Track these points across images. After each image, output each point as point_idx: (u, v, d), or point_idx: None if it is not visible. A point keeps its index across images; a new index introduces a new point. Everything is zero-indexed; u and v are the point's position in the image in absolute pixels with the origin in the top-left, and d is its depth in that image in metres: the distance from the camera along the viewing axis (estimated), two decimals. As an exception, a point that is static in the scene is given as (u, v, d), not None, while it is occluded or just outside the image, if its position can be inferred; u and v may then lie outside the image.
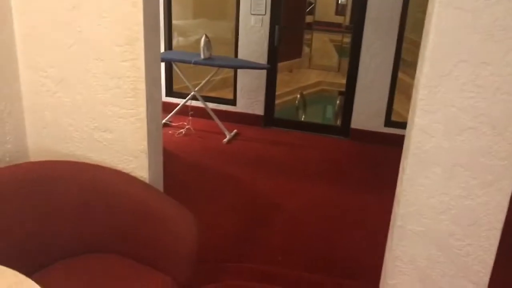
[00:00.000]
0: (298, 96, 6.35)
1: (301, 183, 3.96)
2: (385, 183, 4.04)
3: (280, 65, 5.58)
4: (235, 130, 5.04)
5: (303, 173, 4.18)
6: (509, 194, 1.47)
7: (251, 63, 4.86)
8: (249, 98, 5.28)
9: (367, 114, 4.89)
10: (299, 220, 3.37)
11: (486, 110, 1.40)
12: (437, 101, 1.42)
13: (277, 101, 5.38)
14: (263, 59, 5.07)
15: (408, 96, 7.00)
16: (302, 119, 5.95)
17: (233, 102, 5.39)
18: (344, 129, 5.04)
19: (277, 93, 5.36)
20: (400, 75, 4.80)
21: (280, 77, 5.68)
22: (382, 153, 4.68)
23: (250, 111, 5.31)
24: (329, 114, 6.73)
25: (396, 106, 4.91)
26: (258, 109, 5.28)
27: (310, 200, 3.67)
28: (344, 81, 5.08)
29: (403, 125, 4.99)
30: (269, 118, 5.30)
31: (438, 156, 1.45)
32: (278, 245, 3.02)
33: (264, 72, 5.11)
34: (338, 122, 5.25)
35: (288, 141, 4.95)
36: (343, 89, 5.10)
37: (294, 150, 4.71)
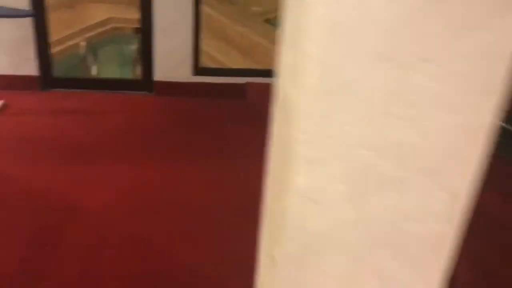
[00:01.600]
0: (83, 42, 5.14)
1: (103, 167, 3.05)
2: (207, 149, 3.41)
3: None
4: (1, 101, 3.73)
5: (103, 152, 3.25)
6: None
7: (3, 10, 3.52)
8: (15, 55, 3.96)
9: (171, 61, 4.08)
10: (105, 225, 2.52)
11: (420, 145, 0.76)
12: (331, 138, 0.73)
13: (57, 50, 4.17)
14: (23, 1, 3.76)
15: (216, 34, 6.38)
16: (93, 74, 4.83)
17: (-9, 61, 3.99)
18: (146, 82, 4.17)
19: (56, 38, 4.12)
20: (204, 8, 4.06)
21: (58, 15, 4.41)
22: (195, 109, 4.01)
23: (19, 72, 4.01)
24: (126, 63, 5.69)
25: (205, 47, 4.22)
26: (30, 68, 4.01)
27: (119, 191, 2.82)
28: (138, 16, 4.12)
29: (215, 71, 4.46)
30: (47, 78, 4.09)
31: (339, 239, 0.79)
32: (72, 277, 2.14)
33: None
34: (137, 74, 4.34)
35: (77, 107, 3.87)
36: (139, 26, 4.14)
37: (86, 119, 3.68)
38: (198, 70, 4.16)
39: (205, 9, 4.06)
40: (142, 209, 2.68)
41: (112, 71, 5.16)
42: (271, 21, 7.86)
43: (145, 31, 3.98)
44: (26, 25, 3.86)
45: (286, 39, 0.83)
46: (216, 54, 5.44)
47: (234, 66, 5.06)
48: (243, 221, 2.61)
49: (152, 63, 4.07)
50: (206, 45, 4.20)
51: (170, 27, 3.94)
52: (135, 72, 4.50)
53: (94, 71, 4.90)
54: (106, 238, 2.42)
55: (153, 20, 3.91)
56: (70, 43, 5.15)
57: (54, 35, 4.12)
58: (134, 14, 6.51)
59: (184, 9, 3.91)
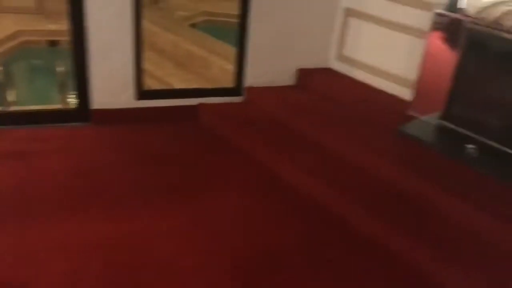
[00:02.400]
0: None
1: (47, 226, 2.48)
2: (166, 187, 2.94)
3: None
4: None
5: (43, 206, 2.66)
6: None
7: None
8: None
9: (110, 86, 3.52)
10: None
11: None
12: None
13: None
14: None
15: (159, 50, 5.75)
16: (10, 102, 4.07)
17: None
18: (81, 111, 3.55)
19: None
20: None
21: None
22: (143, 138, 3.49)
23: None
24: (51, 87, 4.90)
25: (148, 66, 3.70)
26: None
27: (72, 257, 2.29)
28: (54, 26, 3.44)
29: (161, 94, 3.80)
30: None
31: None
32: None
33: None
34: (68, 101, 3.71)
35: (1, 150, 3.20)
36: (57, 38, 3.48)
37: (14, 165, 3.02)
38: (142, 93, 3.64)
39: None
40: (107, 278, 2.18)
41: (34, 99, 4.40)
42: (197, 25, 7.40)
43: (77, 50, 3.37)
44: None
45: None
46: (162, 75, 4.91)
47: (181, 86, 4.58)
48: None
49: (88, 87, 3.47)
50: (149, 63, 3.70)
51: (106, 45, 3.38)
52: (65, 99, 3.85)
53: (11, 97, 4.16)
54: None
55: (87, 37, 3.33)
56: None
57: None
58: (48, 24, 5.72)
59: (122, 24, 3.37)
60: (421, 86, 3.40)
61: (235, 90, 4.01)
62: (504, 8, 2.94)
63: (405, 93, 3.59)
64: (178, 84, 4.90)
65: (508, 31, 2.84)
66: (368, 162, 3.13)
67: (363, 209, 2.77)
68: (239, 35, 3.85)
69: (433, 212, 2.76)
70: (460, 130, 3.15)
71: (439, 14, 3.18)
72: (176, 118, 3.72)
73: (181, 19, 7.16)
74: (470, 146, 2.97)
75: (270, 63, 3.99)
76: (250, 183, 3.10)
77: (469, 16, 3.03)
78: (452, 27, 3.17)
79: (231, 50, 4.34)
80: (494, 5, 3.00)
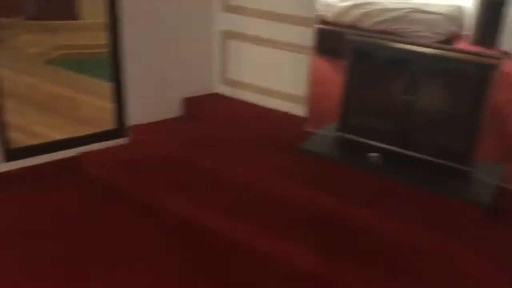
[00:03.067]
0: None
1: None
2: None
3: None
4: None
5: None
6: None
7: None
8: None
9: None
10: None
11: None
12: None
13: None
14: None
15: (16, 96, 4.97)
16: None
17: None
18: None
19: None
20: None
21: None
22: (19, 208, 2.94)
23: None
24: None
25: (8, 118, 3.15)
26: None
27: None
28: None
29: (35, 149, 3.15)
30: None
31: None
32: None
33: None
34: None
35: None
36: None
37: None
38: (11, 152, 3.08)
39: None
40: None
41: None
42: (54, 61, 6.70)
43: None
44: None
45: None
46: (21, 121, 4.26)
47: (50, 134, 4.01)
48: None
49: None
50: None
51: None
52: None
53: None
54: None
55: None
56: None
57: None
58: None
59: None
60: (313, 100, 3.39)
61: (118, 132, 3.62)
62: (360, 11, 3.05)
63: (299, 110, 3.56)
64: (47, 132, 4.31)
65: (386, 38, 2.94)
66: (276, 186, 3.02)
67: (283, 239, 2.64)
68: (112, 69, 3.47)
69: (347, 226, 2.72)
70: (359, 139, 3.19)
71: (320, 29, 3.20)
72: (56, 175, 3.22)
73: (34, 57, 6.41)
74: (373, 154, 3.01)
75: (153, 96, 3.69)
76: (158, 241, 2.75)
77: (350, 27, 3.09)
78: (334, 40, 3.21)
79: (100, 85, 3.92)
80: (350, 8, 3.09)
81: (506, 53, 2.67)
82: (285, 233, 2.66)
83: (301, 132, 3.39)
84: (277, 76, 3.68)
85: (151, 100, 3.69)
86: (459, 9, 2.92)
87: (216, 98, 4.01)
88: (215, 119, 3.77)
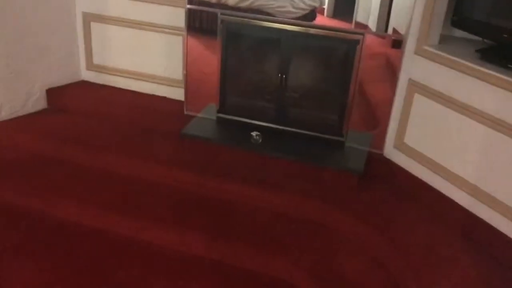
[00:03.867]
0: None
1: None
2: None
3: None
4: None
5: None
6: None
7: None
8: None
9: None
10: None
11: None
12: None
13: None
14: None
15: None
16: None
17: None
18: None
19: None
20: None
21: None
22: None
23: None
24: None
25: None
26: None
27: None
28: None
29: None
30: None
31: None
32: None
33: None
34: None
35: None
36: None
37: None
38: None
39: None
40: None
41: None
42: None
43: None
44: None
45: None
46: None
47: None
48: None
49: None
50: None
51: None
52: None
53: None
54: None
55: None
56: None
57: None
58: None
59: None
60: (190, 83, 3.32)
61: (-27, 132, 3.19)
62: None
63: (177, 94, 3.46)
64: None
65: (255, 18, 2.96)
66: (160, 175, 2.95)
67: (171, 223, 2.59)
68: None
69: (232, 204, 2.78)
70: (240, 119, 3.21)
71: (190, 10, 3.11)
72: None
73: None
74: (254, 133, 3.05)
75: (12, 90, 3.30)
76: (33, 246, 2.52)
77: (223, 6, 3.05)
78: (206, 20, 3.16)
79: None
80: None
81: (364, 26, 2.86)
82: (172, 221, 2.62)
83: (181, 117, 3.31)
84: (150, 59, 3.52)
85: (10, 95, 3.30)
86: (319, -16, 3.05)
87: (84, 86, 3.72)
88: (85, 110, 3.51)
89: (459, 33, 2.73)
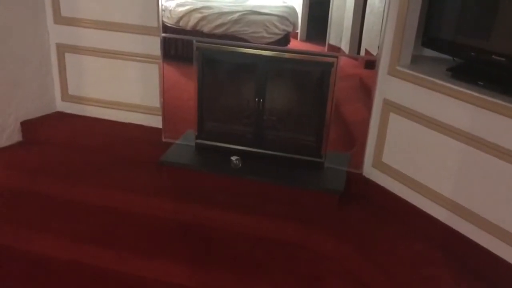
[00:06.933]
0: None
1: None
2: None
3: None
4: None
5: None
6: None
7: None
8: None
9: None
10: None
11: None
12: None
13: None
14: None
15: None
16: None
17: None
18: None
19: None
20: None
21: None
22: None
23: None
24: None
25: None
26: None
27: None
28: None
29: None
30: None
31: None
32: None
33: None
34: None
35: None
36: None
37: None
38: None
39: None
40: None
41: None
42: None
43: None
44: None
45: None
46: None
47: None
48: None
49: None
50: None
51: None
52: None
53: None
54: None
55: None
56: None
57: None
58: None
59: None
60: (168, 110, 3.31)
61: None
62: (198, 15, 3.08)
63: (154, 121, 3.44)
64: None
65: (229, 44, 2.99)
66: (138, 204, 2.90)
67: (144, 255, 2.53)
68: None
69: (212, 232, 2.74)
70: (218, 144, 3.20)
71: (165, 38, 3.13)
72: None
73: None
74: (234, 157, 3.04)
75: (-17, 123, 3.25)
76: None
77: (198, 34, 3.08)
78: (181, 47, 3.17)
79: None
80: (188, 13, 3.10)
81: (337, 49, 2.91)
82: (153, 251, 2.56)
83: (159, 144, 3.28)
84: (126, 88, 3.51)
85: (-18, 128, 3.24)
86: (291, 9, 3.09)
87: (59, 117, 3.67)
88: (61, 141, 3.45)
89: (431, 52, 2.79)
